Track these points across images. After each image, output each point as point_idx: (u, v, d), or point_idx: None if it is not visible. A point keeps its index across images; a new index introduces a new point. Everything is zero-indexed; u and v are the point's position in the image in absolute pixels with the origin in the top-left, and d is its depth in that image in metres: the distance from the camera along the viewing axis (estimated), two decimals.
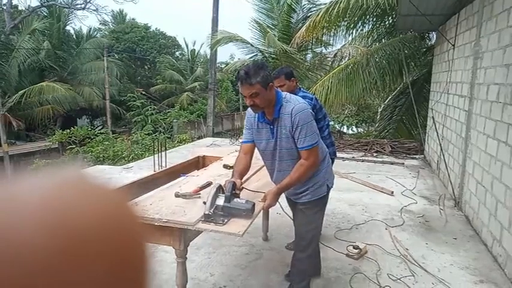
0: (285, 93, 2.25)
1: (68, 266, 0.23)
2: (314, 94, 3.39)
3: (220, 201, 2.01)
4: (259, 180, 2.73)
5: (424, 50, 8.87)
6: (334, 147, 3.28)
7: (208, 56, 16.45)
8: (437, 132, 5.83)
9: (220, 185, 2.11)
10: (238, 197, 2.09)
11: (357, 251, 3.15)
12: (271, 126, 2.21)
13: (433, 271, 2.94)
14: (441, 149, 5.41)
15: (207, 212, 1.96)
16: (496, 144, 3.32)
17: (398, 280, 2.81)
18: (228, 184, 2.08)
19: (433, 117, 6.22)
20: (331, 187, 2.41)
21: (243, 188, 2.20)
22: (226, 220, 1.97)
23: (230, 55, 23.32)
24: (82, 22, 33.94)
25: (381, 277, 2.85)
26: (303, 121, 2.11)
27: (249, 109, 2.28)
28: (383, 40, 9.07)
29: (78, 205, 0.25)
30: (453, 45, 5.21)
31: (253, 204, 2.05)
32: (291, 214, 2.68)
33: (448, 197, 4.73)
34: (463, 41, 4.76)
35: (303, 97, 2.84)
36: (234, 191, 2.08)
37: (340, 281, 2.82)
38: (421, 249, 3.33)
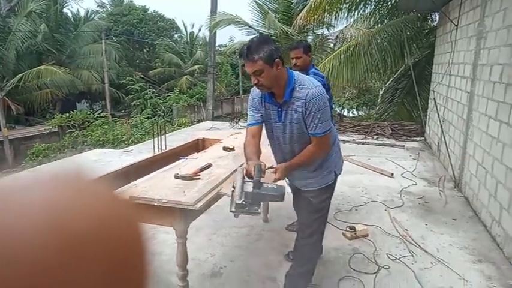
0: (297, 73, 2.06)
1: (66, 266, 0.22)
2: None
3: (249, 187, 1.75)
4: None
5: (427, 31, 8.74)
6: (335, 128, 3.22)
7: (208, 39, 16.25)
8: (438, 114, 5.80)
9: (244, 170, 1.88)
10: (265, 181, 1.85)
11: (351, 231, 3.17)
12: (279, 109, 2.05)
13: (432, 251, 2.96)
14: (442, 131, 5.39)
15: (239, 202, 1.72)
16: (497, 125, 3.30)
17: (398, 260, 2.83)
18: (256, 168, 1.80)
19: (434, 99, 6.18)
20: (339, 174, 2.30)
21: (268, 168, 1.99)
22: (258, 208, 1.77)
23: (230, 37, 23.05)
24: (79, 4, 33.33)
25: (380, 257, 2.88)
26: (317, 107, 1.94)
27: (253, 89, 2.12)
28: (385, 21, 8.93)
29: (76, 205, 0.25)
30: (456, 26, 5.12)
31: (284, 188, 1.83)
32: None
33: (448, 178, 4.73)
34: (467, 21, 4.67)
35: (315, 74, 2.96)
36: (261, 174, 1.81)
37: (339, 261, 2.84)
38: (420, 230, 3.35)
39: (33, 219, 0.23)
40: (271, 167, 2.11)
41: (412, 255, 2.91)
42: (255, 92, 2.13)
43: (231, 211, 1.77)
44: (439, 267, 2.76)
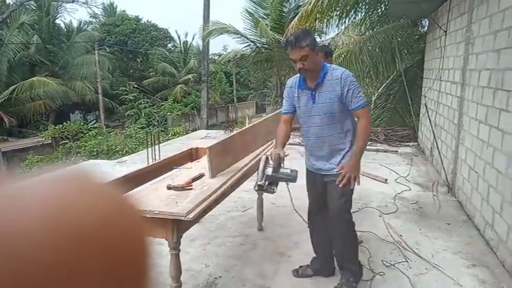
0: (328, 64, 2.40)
1: (67, 264, 0.22)
2: None
3: (269, 171, 2.26)
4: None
5: (417, 37, 8.84)
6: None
7: (201, 48, 16.31)
8: (430, 119, 5.85)
9: (267, 157, 2.33)
10: (283, 166, 2.32)
11: None
12: (313, 92, 2.35)
13: (426, 256, 2.97)
14: (434, 136, 5.43)
15: (260, 183, 2.23)
16: (487, 129, 3.34)
17: (392, 266, 2.83)
18: (275, 155, 2.29)
19: (425, 104, 6.24)
20: None
21: (287, 155, 2.45)
22: (275, 188, 2.29)
23: (223, 46, 23.12)
24: (72, 15, 33.36)
25: (375, 263, 2.87)
26: (352, 83, 2.29)
27: (289, 80, 2.54)
28: (376, 28, 9.03)
29: (78, 203, 0.25)
30: (445, 32, 5.20)
31: (297, 172, 2.30)
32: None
33: (442, 183, 4.76)
34: (455, 27, 4.75)
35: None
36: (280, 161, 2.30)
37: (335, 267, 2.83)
38: (414, 235, 3.36)
39: (34, 216, 0.23)
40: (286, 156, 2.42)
41: (407, 261, 2.91)
42: (290, 82, 2.52)
43: (254, 189, 2.34)
44: (433, 272, 2.77)
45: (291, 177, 2.30)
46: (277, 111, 3.44)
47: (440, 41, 5.49)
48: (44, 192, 0.25)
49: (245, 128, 3.20)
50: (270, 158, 2.33)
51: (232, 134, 2.93)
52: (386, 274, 2.73)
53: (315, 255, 2.74)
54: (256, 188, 2.28)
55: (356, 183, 2.35)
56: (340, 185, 2.31)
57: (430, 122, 5.81)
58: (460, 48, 4.44)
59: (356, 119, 2.43)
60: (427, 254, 3.02)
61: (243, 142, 3.00)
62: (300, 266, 2.76)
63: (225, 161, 2.65)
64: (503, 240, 2.86)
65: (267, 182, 2.25)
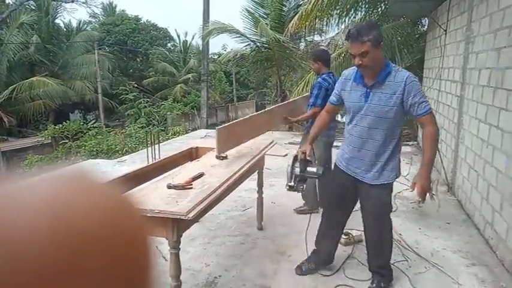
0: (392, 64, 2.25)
1: (68, 264, 0.22)
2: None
3: (297, 171, 2.37)
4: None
5: (417, 36, 8.84)
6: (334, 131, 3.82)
7: (201, 47, 16.29)
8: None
9: (294, 156, 2.44)
10: (310, 163, 2.42)
11: (346, 237, 3.17)
12: (368, 90, 2.20)
13: (426, 255, 2.97)
14: None
15: (290, 184, 2.37)
16: (487, 128, 3.34)
17: (392, 265, 2.83)
18: (301, 155, 2.39)
19: None
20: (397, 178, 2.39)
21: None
22: (304, 185, 2.43)
23: (223, 45, 23.12)
24: (71, 15, 33.31)
25: None
26: (417, 89, 2.14)
27: (345, 71, 2.41)
28: None
29: (79, 203, 0.25)
30: (445, 31, 5.20)
31: (324, 168, 2.44)
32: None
33: (441, 182, 4.76)
34: (455, 26, 4.75)
35: (323, 79, 3.57)
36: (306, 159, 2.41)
37: (334, 266, 2.84)
38: (414, 234, 3.36)
39: (34, 216, 0.23)
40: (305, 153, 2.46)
41: (407, 260, 2.91)
42: (346, 72, 2.39)
43: (286, 189, 2.47)
44: (433, 271, 2.77)
45: (318, 175, 2.42)
46: (277, 105, 3.62)
47: (440, 40, 5.49)
48: (45, 192, 0.25)
49: (249, 116, 3.48)
50: (297, 158, 2.41)
51: (238, 120, 3.15)
52: None
53: (314, 247, 2.74)
54: (287, 188, 2.42)
55: (428, 195, 2.23)
56: (419, 199, 2.24)
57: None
58: (460, 47, 4.44)
59: (420, 127, 2.33)
60: (427, 253, 3.02)
61: (246, 127, 3.21)
62: (302, 263, 2.76)
63: (230, 142, 2.91)
64: (502, 239, 2.86)
65: (296, 182, 2.38)
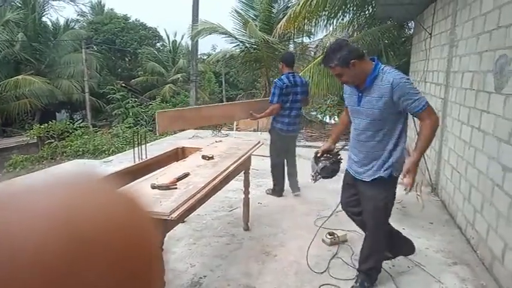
0: (384, 65, 2.28)
1: (73, 266, 0.22)
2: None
3: (320, 166, 2.66)
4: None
5: (403, 39, 8.95)
6: (295, 126, 4.28)
7: (190, 47, 16.24)
8: (414, 121, 5.93)
9: (316, 152, 2.73)
10: (329, 159, 2.67)
11: (331, 237, 3.20)
12: (360, 94, 2.29)
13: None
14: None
15: (312, 175, 2.68)
16: (469, 130, 3.40)
17: None
18: (321, 152, 2.67)
19: None
20: (397, 175, 2.37)
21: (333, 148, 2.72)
22: (326, 177, 2.69)
23: (212, 46, 23.09)
24: (59, 13, 32.77)
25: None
26: (408, 88, 2.15)
27: None
28: (363, 30, 9.11)
29: (85, 205, 0.25)
30: (430, 34, 5.28)
31: (339, 163, 2.69)
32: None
33: (425, 183, 4.83)
34: (440, 30, 4.83)
35: (279, 79, 4.08)
36: (327, 154, 2.69)
37: (319, 266, 2.86)
38: None
39: (40, 219, 0.23)
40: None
41: (390, 260, 2.94)
42: None
43: (311, 180, 2.72)
44: (416, 270, 2.82)
45: (335, 170, 2.69)
46: (240, 101, 4.16)
47: (425, 44, 5.58)
48: (52, 195, 0.25)
49: (205, 106, 4.29)
50: (318, 153, 2.69)
51: (190, 107, 3.67)
52: None
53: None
54: (310, 179, 2.73)
55: (409, 187, 2.27)
56: (405, 184, 2.28)
57: (414, 123, 5.89)
58: (444, 50, 4.52)
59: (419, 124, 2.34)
60: None
61: (198, 114, 4.00)
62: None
63: (175, 123, 3.75)
64: (483, 239, 2.92)
65: (318, 175, 2.67)
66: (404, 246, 2.72)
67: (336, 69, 2.21)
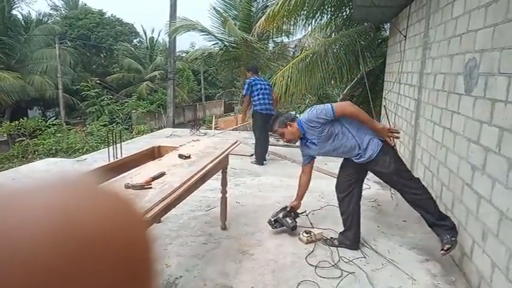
0: (298, 117, 3.09)
1: (70, 267, 0.22)
2: (269, 80, 6.71)
3: (280, 215, 3.35)
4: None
5: (380, 41, 9.14)
6: (270, 107, 5.74)
7: (168, 45, 16.02)
8: (389, 121, 6.06)
9: (286, 206, 3.41)
10: (292, 217, 3.37)
11: (307, 235, 3.23)
12: (307, 140, 3.05)
13: (383, 252, 3.08)
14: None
15: (270, 218, 3.40)
16: (441, 130, 3.51)
17: (351, 262, 2.92)
18: (289, 208, 3.40)
19: (384, 106, 6.46)
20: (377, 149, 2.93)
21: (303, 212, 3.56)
22: (278, 226, 3.38)
23: (191, 43, 22.84)
24: (30, 6, 31.54)
25: (334, 260, 2.95)
26: (314, 115, 2.91)
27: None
28: (341, 31, 9.24)
29: (82, 207, 0.25)
30: (405, 36, 5.41)
31: (295, 224, 3.37)
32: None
33: None
34: (414, 32, 4.95)
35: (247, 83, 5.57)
36: (293, 212, 3.41)
37: (295, 265, 2.88)
38: (372, 232, 3.47)
39: (39, 220, 0.23)
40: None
41: (365, 257, 3.01)
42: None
43: (268, 222, 3.42)
44: (389, 267, 2.88)
45: (291, 227, 3.31)
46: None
47: (400, 45, 5.71)
48: (51, 196, 0.25)
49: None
50: (286, 207, 3.37)
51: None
52: (345, 269, 2.81)
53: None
54: (268, 221, 3.39)
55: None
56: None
57: (389, 123, 6.02)
58: (418, 52, 4.64)
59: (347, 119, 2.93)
60: (384, 250, 3.13)
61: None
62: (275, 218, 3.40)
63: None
64: None
65: (274, 222, 3.35)
66: (353, 239, 3.15)
67: (279, 131, 3.06)
